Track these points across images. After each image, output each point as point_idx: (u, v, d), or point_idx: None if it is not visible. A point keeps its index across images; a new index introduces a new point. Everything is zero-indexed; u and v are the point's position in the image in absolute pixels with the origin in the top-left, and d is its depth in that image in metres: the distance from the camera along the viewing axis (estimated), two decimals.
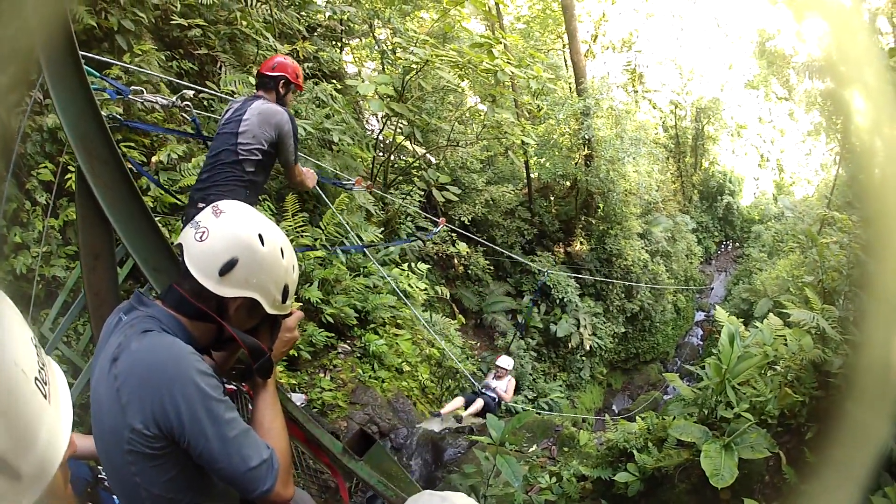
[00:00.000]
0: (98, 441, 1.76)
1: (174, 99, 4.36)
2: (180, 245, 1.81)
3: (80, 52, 2.30)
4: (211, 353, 1.98)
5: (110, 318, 1.85)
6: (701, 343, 23.90)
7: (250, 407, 2.03)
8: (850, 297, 4.63)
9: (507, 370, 10.65)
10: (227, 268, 1.75)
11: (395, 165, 14.55)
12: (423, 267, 12.07)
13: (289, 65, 4.72)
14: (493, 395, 10.09)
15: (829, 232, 8.73)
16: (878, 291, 0.96)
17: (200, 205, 3.97)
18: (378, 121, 14.23)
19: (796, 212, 17.62)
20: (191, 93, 4.57)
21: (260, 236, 1.81)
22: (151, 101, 4.03)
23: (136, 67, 6.54)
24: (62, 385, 1.16)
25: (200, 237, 1.78)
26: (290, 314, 2.07)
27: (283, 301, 1.93)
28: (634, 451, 5.37)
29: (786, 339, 4.67)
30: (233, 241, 1.78)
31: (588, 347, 17.23)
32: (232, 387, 4.04)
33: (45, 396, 1.03)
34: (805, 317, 4.36)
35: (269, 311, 1.89)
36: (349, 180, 7.55)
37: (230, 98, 6.18)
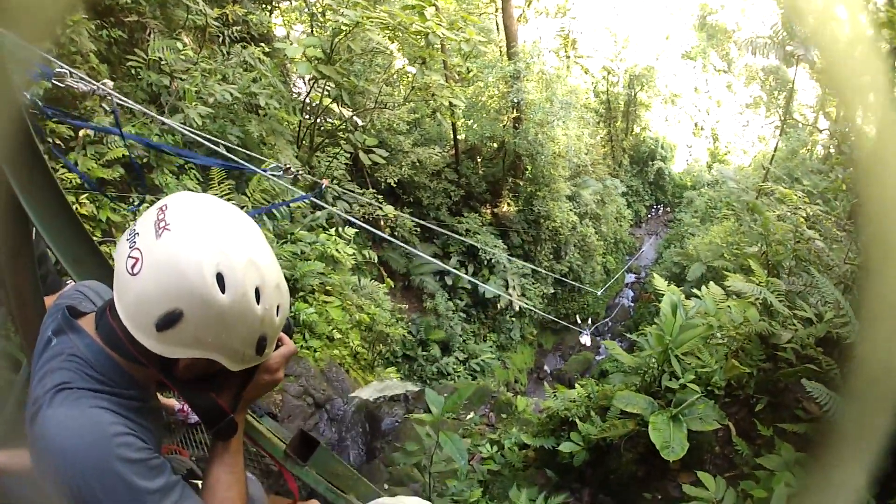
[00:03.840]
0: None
1: (97, 86, 3.84)
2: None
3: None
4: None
5: (42, 331, 1.42)
6: (632, 305, 24.53)
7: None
8: (796, 271, 4.71)
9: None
10: (167, 323, 1.22)
11: (322, 128, 14.20)
12: (351, 231, 11.86)
13: None
14: None
15: (768, 202, 8.97)
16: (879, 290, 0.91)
17: None
18: (305, 84, 13.94)
19: (737, 181, 18.13)
20: (111, 83, 4.12)
21: (220, 277, 1.22)
22: (73, 87, 3.60)
23: None
24: None
25: (132, 267, 1.21)
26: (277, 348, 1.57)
27: (259, 353, 1.40)
28: (577, 420, 5.37)
29: (729, 310, 4.71)
30: (175, 284, 1.20)
31: (517, 308, 17.39)
32: None
33: None
34: (749, 289, 4.40)
35: (234, 368, 1.38)
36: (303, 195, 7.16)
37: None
